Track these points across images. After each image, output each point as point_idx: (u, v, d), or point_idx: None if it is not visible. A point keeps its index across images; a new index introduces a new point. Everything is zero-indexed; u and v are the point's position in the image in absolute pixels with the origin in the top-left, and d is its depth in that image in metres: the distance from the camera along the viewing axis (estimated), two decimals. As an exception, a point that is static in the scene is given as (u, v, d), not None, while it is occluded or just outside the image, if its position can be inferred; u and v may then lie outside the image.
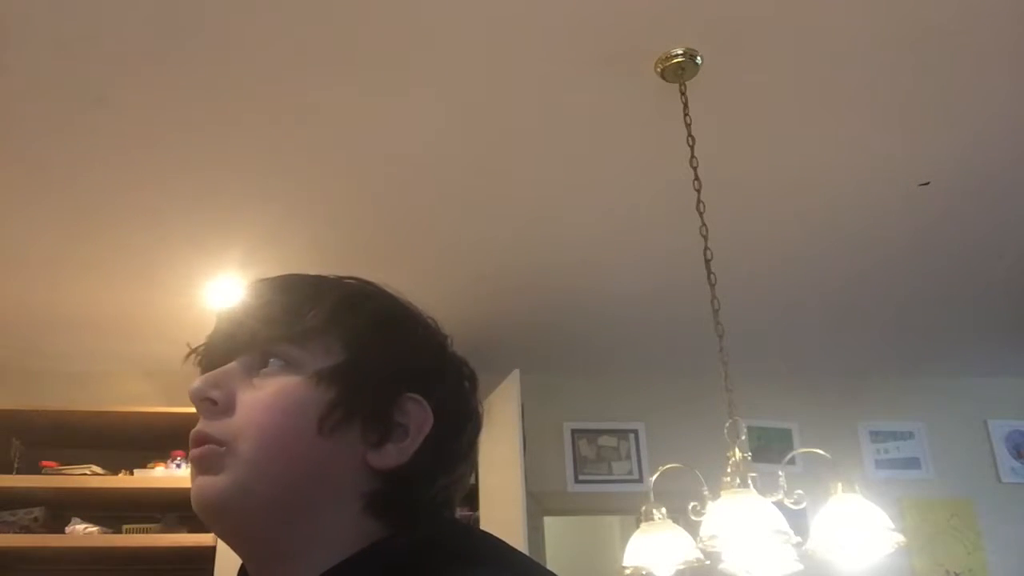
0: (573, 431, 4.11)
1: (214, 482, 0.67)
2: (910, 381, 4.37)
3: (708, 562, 2.13)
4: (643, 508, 2.29)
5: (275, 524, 0.67)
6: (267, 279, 0.76)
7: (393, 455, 0.70)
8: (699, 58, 2.24)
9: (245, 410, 0.69)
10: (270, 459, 0.67)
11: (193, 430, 0.70)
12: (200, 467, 0.68)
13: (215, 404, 0.69)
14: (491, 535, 0.70)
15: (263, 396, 0.69)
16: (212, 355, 0.74)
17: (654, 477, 2.31)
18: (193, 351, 0.76)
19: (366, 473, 0.69)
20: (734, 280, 2.50)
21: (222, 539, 0.71)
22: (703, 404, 2.81)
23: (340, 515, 0.68)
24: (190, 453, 0.69)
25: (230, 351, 0.73)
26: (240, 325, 0.73)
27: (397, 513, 0.69)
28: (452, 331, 0.78)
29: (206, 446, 0.68)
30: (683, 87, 2.30)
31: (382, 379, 0.71)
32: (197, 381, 0.71)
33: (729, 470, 2.01)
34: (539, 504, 3.78)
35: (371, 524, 0.69)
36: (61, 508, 3.38)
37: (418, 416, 0.71)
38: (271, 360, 0.71)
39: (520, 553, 0.69)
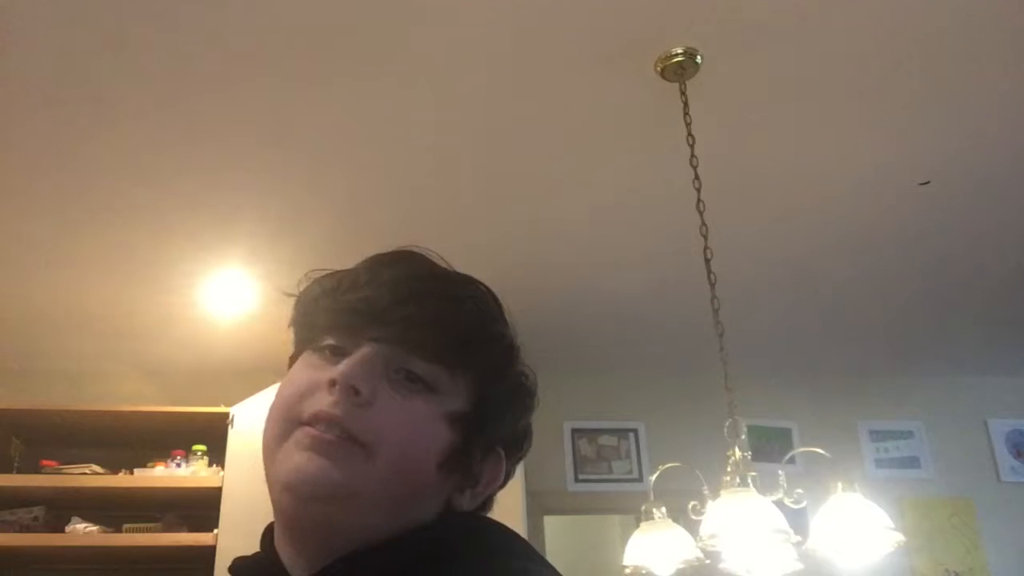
0: (573, 430, 4.10)
1: (332, 473, 0.66)
2: (910, 381, 4.37)
3: (708, 561, 2.13)
4: (643, 507, 2.29)
5: (357, 524, 0.68)
6: (431, 276, 0.75)
7: (468, 500, 0.74)
8: (699, 58, 2.24)
9: (392, 424, 0.68)
10: (399, 481, 0.68)
11: (326, 409, 0.68)
12: (323, 450, 0.66)
13: (358, 395, 0.68)
14: (509, 530, 0.73)
15: (411, 418, 0.69)
16: (362, 316, 0.71)
17: (654, 476, 2.31)
18: (345, 290, 0.73)
19: (445, 506, 0.72)
20: (734, 280, 2.50)
21: (288, 513, 0.69)
22: (703, 404, 2.81)
23: (407, 525, 0.70)
24: (315, 431, 0.67)
25: (380, 333, 0.70)
26: (402, 319, 0.71)
27: None
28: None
29: (345, 440, 0.67)
30: (683, 87, 2.30)
31: (494, 436, 0.75)
32: (345, 366, 0.68)
33: (729, 469, 2.01)
34: (539, 503, 3.78)
35: None
36: (61, 507, 3.37)
37: (493, 469, 0.76)
38: (420, 373, 0.70)
39: (531, 549, 0.73)
